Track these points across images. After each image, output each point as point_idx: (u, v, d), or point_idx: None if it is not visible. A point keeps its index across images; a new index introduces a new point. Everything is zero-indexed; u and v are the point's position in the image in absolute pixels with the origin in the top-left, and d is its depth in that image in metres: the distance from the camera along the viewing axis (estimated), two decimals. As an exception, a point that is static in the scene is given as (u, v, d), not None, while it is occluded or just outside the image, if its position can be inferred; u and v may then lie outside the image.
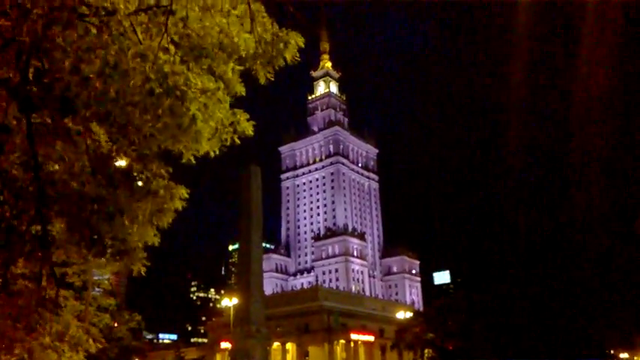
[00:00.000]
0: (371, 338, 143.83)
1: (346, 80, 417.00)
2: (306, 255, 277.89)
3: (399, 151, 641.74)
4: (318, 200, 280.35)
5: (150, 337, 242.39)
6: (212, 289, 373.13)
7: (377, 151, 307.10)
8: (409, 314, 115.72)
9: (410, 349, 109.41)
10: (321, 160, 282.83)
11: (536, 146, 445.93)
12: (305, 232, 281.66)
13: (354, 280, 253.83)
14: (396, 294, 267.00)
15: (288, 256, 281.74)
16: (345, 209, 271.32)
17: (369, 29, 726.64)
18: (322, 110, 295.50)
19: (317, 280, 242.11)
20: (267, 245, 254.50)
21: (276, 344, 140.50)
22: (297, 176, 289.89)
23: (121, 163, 10.35)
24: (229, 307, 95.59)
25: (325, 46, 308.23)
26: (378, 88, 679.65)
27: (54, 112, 8.91)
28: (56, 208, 10.35)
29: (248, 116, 9.25)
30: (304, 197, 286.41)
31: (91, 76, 7.76)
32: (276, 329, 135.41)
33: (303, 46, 8.79)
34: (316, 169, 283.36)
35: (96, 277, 45.41)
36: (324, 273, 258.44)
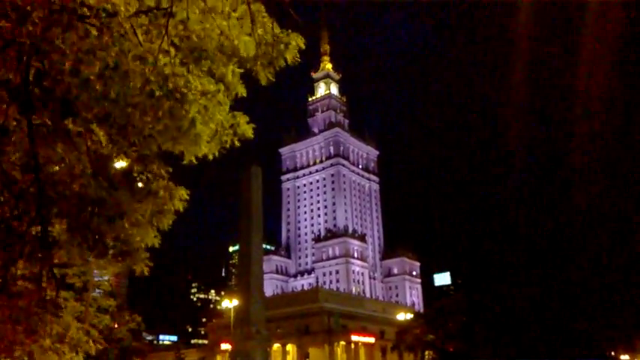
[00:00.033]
0: (371, 340, 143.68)
1: (347, 82, 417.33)
2: (306, 256, 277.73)
3: (400, 152, 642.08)
4: (318, 202, 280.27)
5: (150, 338, 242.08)
6: (212, 291, 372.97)
7: (377, 152, 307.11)
8: (409, 316, 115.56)
9: (410, 351, 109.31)
10: (321, 161, 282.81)
11: (537, 146, 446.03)
12: (305, 234, 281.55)
13: (354, 281, 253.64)
14: (397, 295, 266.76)
15: (289, 257, 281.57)
16: (346, 211, 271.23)
17: (369, 30, 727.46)
18: (323, 112, 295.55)
19: (317, 282, 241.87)
20: (268, 246, 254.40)
21: (276, 346, 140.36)
22: (298, 177, 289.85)
23: (122, 164, 10.37)
24: (230, 309, 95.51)
25: (326, 47, 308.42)
26: (378, 90, 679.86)
27: (54, 113, 8.92)
28: (56, 209, 10.36)
29: (248, 119, 9.26)
30: (305, 199, 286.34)
31: (92, 77, 7.78)
32: (276, 331, 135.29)
33: (303, 47, 8.80)
34: (317, 171, 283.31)
35: (96, 279, 45.39)
36: (324, 274, 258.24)
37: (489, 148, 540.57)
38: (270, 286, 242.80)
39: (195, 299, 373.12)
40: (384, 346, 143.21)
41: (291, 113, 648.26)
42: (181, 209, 10.79)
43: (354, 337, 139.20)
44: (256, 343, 74.89)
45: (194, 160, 9.13)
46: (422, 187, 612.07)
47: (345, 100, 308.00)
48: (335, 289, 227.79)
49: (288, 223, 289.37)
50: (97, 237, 10.47)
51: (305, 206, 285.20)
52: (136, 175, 10.45)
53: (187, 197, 10.72)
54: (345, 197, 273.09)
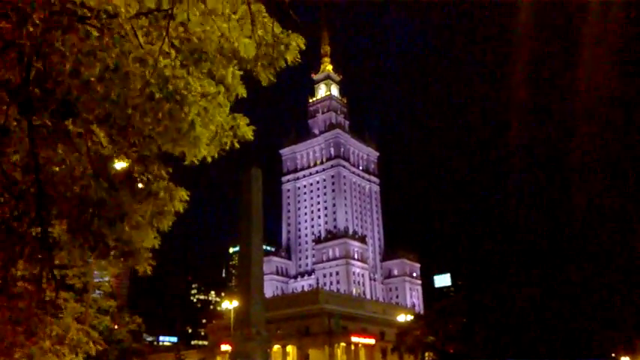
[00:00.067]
0: (372, 341, 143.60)
1: (347, 83, 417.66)
2: (306, 258, 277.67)
3: (400, 153, 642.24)
4: (318, 203, 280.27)
5: (150, 339, 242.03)
6: (212, 292, 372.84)
7: (378, 153, 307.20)
8: (410, 317, 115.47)
9: (411, 352, 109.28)
10: (321, 162, 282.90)
11: (537, 147, 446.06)
12: (306, 235, 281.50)
13: (354, 282, 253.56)
14: (397, 297, 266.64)
15: (289, 258, 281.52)
16: (346, 212, 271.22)
17: (369, 30, 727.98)
18: (323, 113, 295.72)
19: (318, 283, 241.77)
20: (268, 248, 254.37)
21: (276, 347, 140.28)
22: (298, 179, 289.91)
23: (122, 164, 10.37)
24: (230, 310, 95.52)
25: (326, 49, 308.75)
26: (378, 91, 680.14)
27: (55, 114, 8.93)
28: (56, 210, 10.36)
29: (248, 120, 9.29)
30: (305, 200, 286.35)
31: (92, 79, 7.79)
32: (276, 332, 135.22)
33: (303, 47, 8.81)
34: (317, 172, 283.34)
35: (96, 280, 45.40)
36: (324, 276, 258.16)
37: (489, 149, 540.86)
38: (271, 288, 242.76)
39: (195, 300, 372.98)
40: (384, 348, 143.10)
41: (291, 114, 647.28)
42: (181, 210, 10.79)
43: (355, 339, 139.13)
44: (256, 345, 74.79)
45: (196, 161, 9.14)
46: (422, 188, 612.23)
47: (345, 101, 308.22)
48: (335, 290, 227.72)
49: (289, 225, 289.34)
50: (98, 239, 10.47)
51: (305, 207, 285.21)
52: (136, 175, 10.46)
53: (187, 198, 10.73)
54: (345, 198, 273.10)
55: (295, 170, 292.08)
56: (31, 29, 7.53)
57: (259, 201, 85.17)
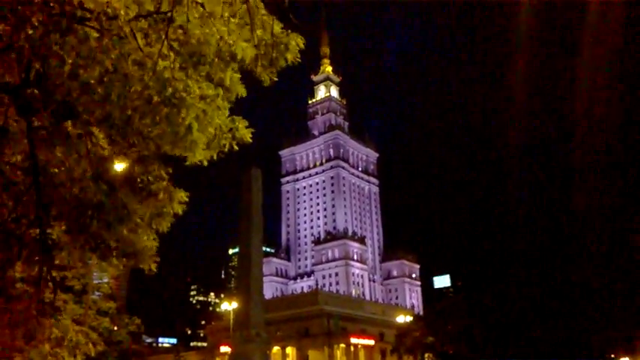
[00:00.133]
0: (371, 342, 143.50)
1: (346, 84, 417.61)
2: (306, 259, 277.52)
3: (399, 154, 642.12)
4: (318, 204, 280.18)
5: (149, 340, 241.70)
6: (212, 293, 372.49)
7: (377, 155, 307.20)
8: (409, 318, 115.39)
9: (410, 353, 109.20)
10: (321, 164, 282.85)
11: (537, 147, 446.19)
12: (305, 236, 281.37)
13: (354, 284, 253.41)
14: (396, 298, 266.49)
15: (289, 259, 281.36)
16: (346, 213, 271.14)
17: (369, 31, 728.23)
18: (323, 114, 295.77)
19: (317, 284, 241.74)
20: (268, 249, 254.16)
21: (276, 348, 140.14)
22: (298, 180, 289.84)
23: (122, 165, 10.35)
24: (229, 311, 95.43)
25: (326, 50, 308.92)
26: (378, 92, 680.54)
27: (54, 115, 8.93)
28: (54, 212, 10.36)
29: (247, 123, 9.30)
30: (304, 201, 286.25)
31: (92, 81, 7.80)
32: (276, 333, 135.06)
33: (303, 47, 8.81)
34: (316, 173, 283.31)
35: (96, 281, 45.38)
36: (324, 277, 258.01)
37: (489, 149, 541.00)
38: (270, 289, 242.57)
39: (194, 302, 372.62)
40: (383, 349, 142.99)
41: (291, 116, 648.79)
42: (180, 212, 10.78)
43: (354, 340, 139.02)
44: (256, 346, 74.64)
45: (199, 162, 9.15)
46: (421, 189, 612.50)
47: (344, 102, 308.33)
48: (335, 291, 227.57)
49: (288, 226, 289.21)
50: (98, 240, 10.47)
51: (305, 209, 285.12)
52: (136, 176, 10.45)
53: (186, 199, 10.72)
54: (344, 200, 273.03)
55: (295, 171, 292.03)
56: (30, 32, 7.55)
57: (259, 202, 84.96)
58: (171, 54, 7.87)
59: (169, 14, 7.57)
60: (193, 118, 8.16)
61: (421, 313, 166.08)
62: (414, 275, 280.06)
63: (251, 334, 74.78)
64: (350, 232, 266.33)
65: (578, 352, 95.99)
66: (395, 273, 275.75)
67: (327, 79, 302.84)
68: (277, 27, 8.46)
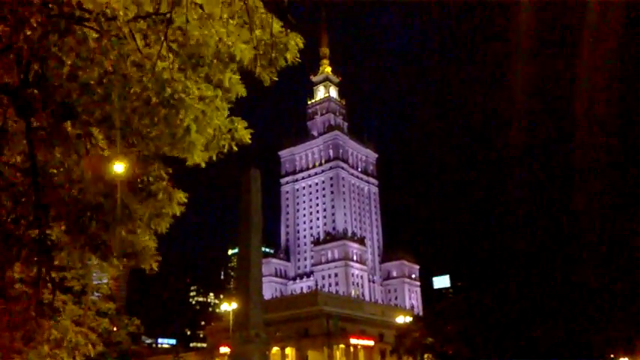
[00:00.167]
0: (370, 343, 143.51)
1: (346, 84, 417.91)
2: (305, 259, 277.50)
3: (399, 154, 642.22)
4: (317, 205, 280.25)
5: (149, 341, 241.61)
6: (211, 294, 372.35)
7: (376, 155, 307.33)
8: (409, 319, 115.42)
9: (410, 354, 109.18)
10: (320, 164, 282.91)
11: (537, 147, 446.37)
12: (304, 237, 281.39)
13: (353, 284, 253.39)
14: (396, 298, 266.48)
15: (288, 260, 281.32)
16: (345, 214, 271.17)
17: (368, 31, 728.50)
18: (322, 115, 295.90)
19: (316, 285, 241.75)
20: (267, 249, 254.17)
21: (275, 349, 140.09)
22: (297, 180, 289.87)
23: (121, 166, 10.33)
24: (228, 312, 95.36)
25: (325, 51, 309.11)
26: (377, 92, 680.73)
27: (53, 116, 8.92)
28: (53, 213, 10.35)
29: (246, 124, 9.30)
30: (304, 202, 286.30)
31: (91, 82, 7.80)
32: (275, 334, 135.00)
33: (302, 46, 8.80)
34: (316, 174, 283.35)
35: (95, 282, 45.31)
36: (323, 277, 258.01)
37: (489, 149, 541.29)
38: (270, 289, 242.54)
39: (194, 302, 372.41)
40: (383, 350, 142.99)
41: (290, 116, 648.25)
42: (178, 213, 10.78)
43: (353, 340, 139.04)
44: (255, 347, 74.64)
45: (202, 163, 9.14)
46: (421, 189, 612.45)
47: (344, 103, 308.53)
48: (334, 292, 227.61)
49: (288, 226, 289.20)
50: (98, 240, 10.46)
51: (304, 209, 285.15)
52: (136, 177, 10.43)
53: (185, 201, 10.71)
54: (344, 200, 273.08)
55: (294, 172, 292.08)
56: (29, 33, 7.54)
57: (258, 203, 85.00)
58: (170, 55, 7.86)
59: (168, 15, 7.56)
60: (192, 120, 8.16)
61: (421, 313, 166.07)
62: (413, 276, 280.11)
63: (250, 334, 74.82)
64: (349, 233, 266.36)
65: (578, 352, 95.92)
66: (394, 273, 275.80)
67: (327, 79, 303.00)
68: (276, 26, 8.44)
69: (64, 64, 7.69)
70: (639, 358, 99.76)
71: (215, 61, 8.49)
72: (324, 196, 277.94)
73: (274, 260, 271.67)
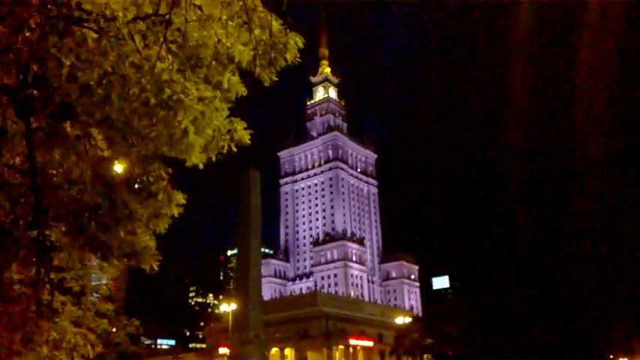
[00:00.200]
0: (370, 343, 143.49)
1: (345, 85, 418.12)
2: (304, 260, 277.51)
3: (398, 155, 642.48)
4: (317, 205, 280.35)
5: (148, 342, 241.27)
6: (211, 295, 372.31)
7: (376, 156, 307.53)
8: (408, 319, 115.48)
9: (409, 355, 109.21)
10: (320, 165, 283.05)
11: (536, 147, 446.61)
12: (304, 237, 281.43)
13: (352, 285, 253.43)
14: (395, 299, 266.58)
15: (287, 261, 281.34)
16: (344, 214, 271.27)
17: (368, 32, 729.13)
18: (321, 115, 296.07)
19: (316, 286, 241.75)
20: (266, 250, 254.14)
21: (274, 350, 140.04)
22: (296, 181, 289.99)
23: (120, 167, 10.34)
24: (228, 313, 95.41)
25: (324, 51, 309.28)
26: (377, 93, 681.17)
27: (53, 116, 8.92)
28: (52, 213, 10.34)
29: (245, 124, 9.29)
30: (303, 202, 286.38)
31: (91, 83, 7.80)
32: (274, 335, 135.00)
33: (302, 46, 8.80)
34: (315, 174, 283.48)
35: (94, 283, 45.27)
36: (322, 278, 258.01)
37: (488, 150, 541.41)
38: (269, 290, 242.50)
39: (193, 303, 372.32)
40: (382, 350, 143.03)
41: (289, 117, 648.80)
42: (176, 214, 10.77)
43: (353, 341, 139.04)
44: (254, 348, 74.73)
45: (200, 165, 9.15)
46: (420, 190, 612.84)
47: (343, 103, 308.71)
48: (333, 292, 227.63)
49: (287, 227, 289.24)
50: (98, 241, 10.45)
51: (303, 210, 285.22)
52: (136, 177, 10.43)
53: (184, 202, 10.71)
54: (343, 201, 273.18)
55: (293, 173, 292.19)
56: (28, 34, 7.54)
57: (258, 203, 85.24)
58: (169, 56, 7.87)
59: (167, 16, 7.56)
60: (190, 121, 8.16)
61: (420, 314, 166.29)
62: (412, 276, 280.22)
63: (250, 335, 74.93)
64: (349, 234, 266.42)
65: (577, 352, 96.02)
66: (394, 274, 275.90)
67: (326, 80, 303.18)
68: (276, 24, 8.43)
69: (63, 65, 7.69)
70: (638, 359, 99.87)
71: (214, 62, 8.49)
72: (323, 196, 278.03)
73: (273, 261, 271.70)
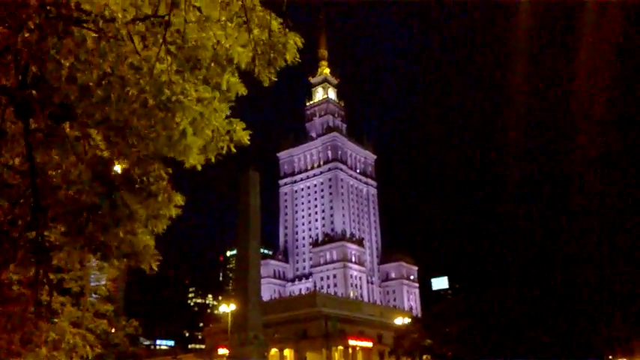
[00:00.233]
0: (369, 344, 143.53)
1: (344, 86, 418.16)
2: (304, 261, 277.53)
3: (398, 155, 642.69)
4: (316, 206, 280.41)
5: (147, 343, 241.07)
6: (210, 295, 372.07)
7: (375, 156, 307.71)
8: (407, 320, 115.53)
9: (408, 355, 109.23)
10: (319, 165, 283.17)
11: (536, 148, 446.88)
12: (303, 238, 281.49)
13: (352, 285, 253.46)
14: (394, 300, 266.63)
15: (286, 261, 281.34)
16: (344, 215, 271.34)
17: (368, 32, 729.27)
18: (320, 116, 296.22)
19: (315, 286, 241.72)
20: (265, 251, 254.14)
21: (273, 350, 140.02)
22: (296, 182, 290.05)
23: (120, 167, 10.34)
24: (227, 313, 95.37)
25: (324, 52, 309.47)
26: (376, 94, 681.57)
27: (52, 117, 8.93)
28: (51, 214, 10.35)
29: (244, 125, 9.30)
30: (302, 203, 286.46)
31: (91, 84, 7.82)
32: (273, 335, 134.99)
33: (301, 46, 8.80)
34: (314, 175, 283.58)
35: (93, 284, 45.31)
36: (322, 279, 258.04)
37: (488, 150, 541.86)
38: (268, 291, 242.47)
39: (192, 304, 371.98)
40: (381, 351, 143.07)
41: (289, 118, 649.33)
42: (174, 216, 10.77)
43: (352, 342, 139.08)
44: (254, 348, 74.77)
45: (199, 166, 9.15)
46: (420, 190, 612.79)
47: (342, 104, 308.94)
48: (333, 293, 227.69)
49: (286, 228, 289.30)
50: (97, 241, 10.45)
51: (303, 211, 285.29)
52: (136, 177, 10.43)
53: (182, 203, 10.71)
54: (342, 201, 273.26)
55: (293, 173, 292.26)
56: (27, 35, 7.55)
57: (257, 204, 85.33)
58: (169, 57, 7.88)
59: (167, 18, 7.57)
60: (189, 122, 8.16)
61: (419, 315, 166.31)
62: (412, 277, 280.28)
63: (249, 336, 74.93)
64: (348, 234, 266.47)
65: (577, 352, 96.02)
66: (393, 275, 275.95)
67: (325, 80, 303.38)
68: (275, 23, 8.41)
69: (62, 65, 7.70)
70: (638, 359, 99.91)
71: (213, 64, 8.49)
72: (322, 197, 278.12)
73: (273, 262, 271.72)
